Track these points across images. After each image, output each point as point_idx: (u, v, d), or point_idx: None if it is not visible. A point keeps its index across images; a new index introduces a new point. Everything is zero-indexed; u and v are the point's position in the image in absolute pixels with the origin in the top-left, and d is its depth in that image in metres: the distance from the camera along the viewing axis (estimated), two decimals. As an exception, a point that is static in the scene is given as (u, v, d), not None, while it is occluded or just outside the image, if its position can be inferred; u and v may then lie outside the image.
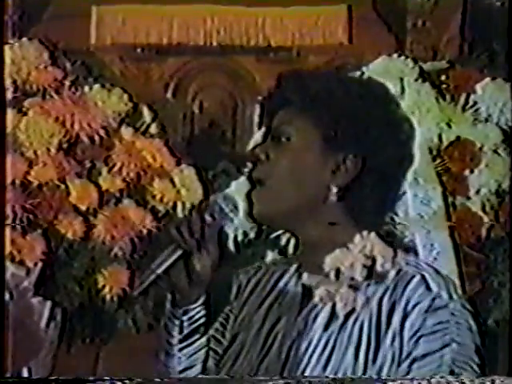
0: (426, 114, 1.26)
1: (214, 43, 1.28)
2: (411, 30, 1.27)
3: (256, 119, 1.27)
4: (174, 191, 1.28)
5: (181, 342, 1.27)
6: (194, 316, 1.27)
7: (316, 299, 1.24)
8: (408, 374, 1.23)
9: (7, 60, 1.27)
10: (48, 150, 1.27)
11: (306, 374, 1.25)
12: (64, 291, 1.28)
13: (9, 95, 1.27)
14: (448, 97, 1.26)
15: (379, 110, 1.24)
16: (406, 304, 1.23)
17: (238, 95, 1.28)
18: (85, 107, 1.27)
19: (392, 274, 1.24)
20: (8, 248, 1.27)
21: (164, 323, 1.26)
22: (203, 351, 1.27)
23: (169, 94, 1.28)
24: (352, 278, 1.24)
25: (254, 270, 1.29)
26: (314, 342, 1.24)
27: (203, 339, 1.27)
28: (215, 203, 1.25)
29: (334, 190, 1.23)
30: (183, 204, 1.28)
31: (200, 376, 1.28)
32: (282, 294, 1.27)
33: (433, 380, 1.25)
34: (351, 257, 1.24)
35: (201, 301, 1.26)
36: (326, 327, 1.24)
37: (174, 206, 1.27)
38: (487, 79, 1.26)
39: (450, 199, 1.26)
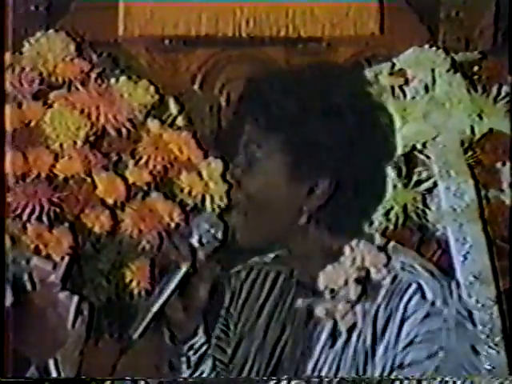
0: (457, 106, 1.24)
1: (243, 34, 1.26)
2: (444, 20, 1.25)
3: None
4: (201, 184, 1.27)
5: (191, 374, 1.26)
6: (198, 347, 1.25)
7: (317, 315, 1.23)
8: None
9: (33, 52, 1.27)
10: (74, 142, 1.25)
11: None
12: (91, 286, 1.28)
13: (35, 87, 1.27)
14: (480, 88, 1.24)
15: (351, 116, 1.19)
16: (402, 314, 1.20)
17: (266, 87, 1.29)
18: (111, 99, 1.25)
19: (387, 281, 1.21)
20: (34, 242, 1.27)
21: (169, 362, 1.25)
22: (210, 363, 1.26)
23: (196, 86, 1.26)
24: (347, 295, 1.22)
25: (246, 272, 1.27)
26: (321, 359, 1.22)
27: (210, 363, 1.26)
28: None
29: (306, 212, 1.20)
30: (211, 197, 1.29)
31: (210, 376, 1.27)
32: (281, 300, 1.25)
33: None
34: (343, 273, 1.20)
35: (201, 330, 1.25)
36: (332, 344, 1.22)
37: (203, 200, 1.27)
38: (520, 70, 1.27)
39: (483, 192, 1.26)
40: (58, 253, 1.26)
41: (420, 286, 1.20)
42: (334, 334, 1.21)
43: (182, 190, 1.26)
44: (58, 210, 1.26)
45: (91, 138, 1.25)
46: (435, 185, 1.25)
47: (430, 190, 1.26)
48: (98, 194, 1.25)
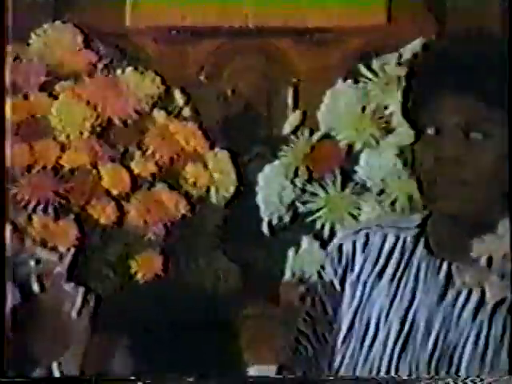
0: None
1: (251, 25, 1.26)
2: (451, 10, 1.24)
3: (290, 102, 1.26)
4: (207, 175, 1.26)
5: None
6: None
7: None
8: None
9: (40, 44, 1.27)
10: (80, 133, 1.25)
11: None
12: (97, 277, 1.28)
13: (42, 79, 1.27)
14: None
15: None
16: None
17: (273, 78, 1.25)
18: (117, 90, 1.25)
19: None
20: (40, 233, 1.26)
21: None
22: None
23: (202, 77, 1.26)
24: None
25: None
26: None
27: None
28: None
29: None
30: (217, 188, 1.28)
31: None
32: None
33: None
34: (500, 245, 1.21)
35: None
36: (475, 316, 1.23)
37: (208, 191, 1.26)
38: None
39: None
40: (64, 244, 1.26)
41: None
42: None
43: (187, 181, 1.26)
44: (63, 201, 1.26)
45: (97, 129, 1.26)
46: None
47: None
48: (103, 185, 1.25)
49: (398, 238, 1.25)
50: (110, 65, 1.25)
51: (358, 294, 1.26)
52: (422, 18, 1.24)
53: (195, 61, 1.25)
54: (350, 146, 1.25)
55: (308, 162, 1.26)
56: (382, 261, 1.25)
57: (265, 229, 1.25)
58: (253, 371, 1.27)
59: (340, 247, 1.27)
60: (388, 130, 1.24)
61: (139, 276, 1.25)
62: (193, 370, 1.26)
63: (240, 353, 1.27)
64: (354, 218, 1.26)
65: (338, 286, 1.26)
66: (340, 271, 1.26)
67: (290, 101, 1.26)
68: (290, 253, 1.25)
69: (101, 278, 1.25)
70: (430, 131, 1.24)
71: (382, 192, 1.25)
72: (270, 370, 1.28)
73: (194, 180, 1.25)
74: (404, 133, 1.25)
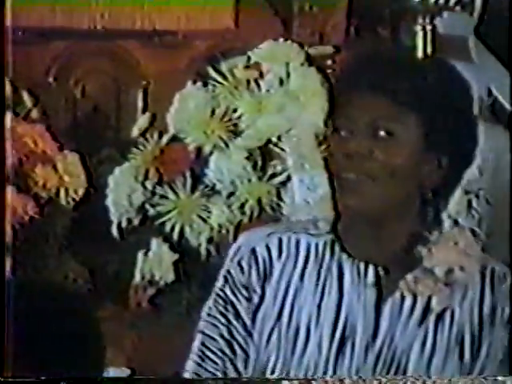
0: (311, 99, 1.23)
1: (99, 27, 1.26)
2: (297, 14, 1.26)
3: (140, 105, 1.25)
4: (56, 177, 1.25)
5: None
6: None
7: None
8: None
9: None
10: None
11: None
12: None
13: None
14: (334, 81, 1.25)
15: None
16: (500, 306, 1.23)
17: (121, 80, 1.25)
18: (-37, 91, 1.27)
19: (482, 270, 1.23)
20: None
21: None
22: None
23: (50, 79, 1.25)
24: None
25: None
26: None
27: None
28: None
29: (428, 189, 1.21)
30: (66, 190, 1.27)
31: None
32: None
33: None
34: (447, 257, 1.22)
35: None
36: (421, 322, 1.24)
37: (57, 193, 1.26)
38: (373, 64, 1.27)
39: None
40: None
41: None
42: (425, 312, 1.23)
43: (36, 183, 1.26)
44: None
45: None
46: (289, 178, 1.27)
47: (284, 183, 1.26)
48: (-51, 186, 1.27)
49: (310, 244, 1.26)
50: (-44, 65, 1.26)
51: (280, 298, 1.26)
52: (269, 22, 1.27)
53: (42, 62, 1.25)
54: (200, 149, 1.26)
55: (158, 165, 1.26)
56: (300, 265, 1.26)
57: (114, 231, 1.25)
58: (107, 374, 1.28)
59: (253, 251, 1.28)
60: (236, 133, 1.27)
61: (-11, 279, 1.27)
62: (49, 373, 1.27)
63: (98, 355, 1.27)
64: (204, 220, 1.28)
65: (258, 290, 1.25)
66: (255, 275, 1.27)
67: (139, 103, 1.26)
68: (140, 255, 1.27)
69: None
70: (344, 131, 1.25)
71: (231, 195, 1.28)
72: (123, 372, 1.29)
73: (43, 182, 1.25)
74: (253, 136, 1.28)
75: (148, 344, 1.25)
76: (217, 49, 1.25)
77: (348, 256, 1.24)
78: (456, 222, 1.24)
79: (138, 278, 1.25)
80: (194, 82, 1.25)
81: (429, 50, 1.24)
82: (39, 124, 1.25)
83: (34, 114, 1.25)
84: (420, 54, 1.25)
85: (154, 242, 1.25)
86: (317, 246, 1.26)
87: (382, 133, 1.21)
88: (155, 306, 1.25)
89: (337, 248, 1.25)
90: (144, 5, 1.25)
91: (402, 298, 1.23)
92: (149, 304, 1.26)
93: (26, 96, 1.25)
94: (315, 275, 1.25)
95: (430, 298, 1.23)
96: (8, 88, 1.24)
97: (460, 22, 1.25)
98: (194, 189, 1.25)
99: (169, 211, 1.25)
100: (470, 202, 1.24)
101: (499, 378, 1.26)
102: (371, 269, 1.23)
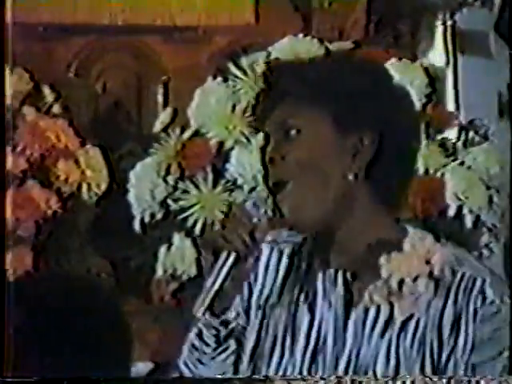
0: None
1: (120, 23, 1.26)
2: (317, 10, 1.27)
3: (161, 100, 1.27)
4: (78, 172, 1.26)
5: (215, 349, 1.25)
6: (230, 320, 1.25)
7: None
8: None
9: None
10: (-49, 130, 1.27)
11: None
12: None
13: None
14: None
15: (377, 85, 1.22)
16: (472, 312, 1.21)
17: (142, 75, 1.26)
18: (-15, 87, 1.27)
19: (448, 275, 1.21)
20: None
21: (198, 332, 1.24)
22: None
23: (71, 74, 1.26)
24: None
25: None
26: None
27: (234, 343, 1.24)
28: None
29: (355, 170, 1.20)
30: (88, 185, 1.28)
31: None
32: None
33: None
34: (413, 264, 1.21)
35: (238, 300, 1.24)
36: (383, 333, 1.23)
37: (79, 187, 1.26)
38: (393, 60, 1.25)
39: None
40: None
41: (484, 282, 1.21)
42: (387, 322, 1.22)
43: (58, 178, 1.27)
44: None
45: (-35, 126, 1.27)
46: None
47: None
48: (-27, 181, 1.28)
49: (292, 253, 1.26)
50: (-22, 61, 1.27)
51: (260, 311, 1.26)
52: (289, 17, 1.28)
53: (64, 58, 1.25)
54: (221, 144, 1.28)
55: (180, 160, 1.27)
56: (281, 274, 1.26)
57: (137, 226, 1.26)
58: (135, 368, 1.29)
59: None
60: (257, 128, 1.29)
61: (10, 272, 1.27)
62: (75, 369, 1.28)
63: (126, 350, 1.28)
64: (226, 215, 1.30)
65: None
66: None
67: (160, 98, 1.27)
68: (162, 250, 1.28)
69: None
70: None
71: (252, 190, 1.29)
72: (147, 367, 1.30)
73: (65, 177, 1.26)
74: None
75: (171, 338, 1.29)
76: (237, 44, 1.26)
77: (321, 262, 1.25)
78: (478, 218, 1.28)
79: (160, 272, 1.27)
80: (215, 78, 1.26)
81: (449, 46, 1.26)
82: (61, 119, 1.25)
83: (56, 108, 1.26)
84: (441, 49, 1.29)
85: (177, 237, 1.28)
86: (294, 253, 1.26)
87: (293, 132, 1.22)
88: (178, 300, 1.29)
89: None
90: (165, 0, 1.27)
91: (366, 309, 1.24)
92: (171, 298, 1.29)
93: (47, 91, 1.25)
94: (292, 283, 1.25)
95: (392, 308, 1.24)
96: (29, 83, 1.26)
97: (480, 17, 1.29)
98: (215, 183, 1.27)
99: (191, 206, 1.27)
100: (491, 198, 1.28)
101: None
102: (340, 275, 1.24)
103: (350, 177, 1.20)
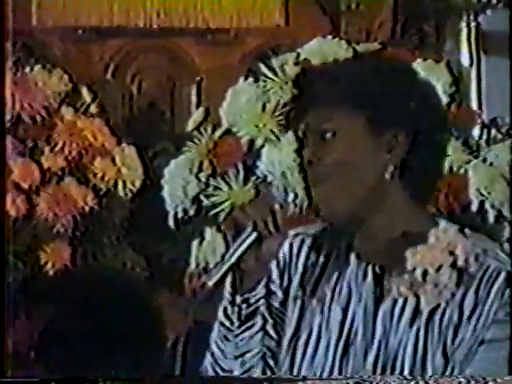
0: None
1: (154, 26, 1.31)
2: (345, 12, 1.31)
3: (194, 100, 1.31)
4: (114, 170, 1.31)
5: (239, 326, 1.29)
6: (252, 300, 1.29)
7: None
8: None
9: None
10: (-9, 129, 1.31)
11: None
12: (7, 267, 1.32)
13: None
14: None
15: (405, 85, 1.26)
16: (492, 301, 1.23)
17: (176, 76, 1.31)
18: (26, 87, 1.30)
19: (474, 267, 1.24)
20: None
21: (224, 308, 1.28)
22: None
23: (108, 75, 1.31)
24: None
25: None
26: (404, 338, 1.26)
27: (260, 321, 1.28)
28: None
29: (391, 168, 1.24)
30: (124, 182, 1.33)
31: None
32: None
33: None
34: (434, 256, 1.24)
35: (263, 282, 1.28)
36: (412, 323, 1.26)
37: (115, 184, 1.31)
38: (419, 60, 1.29)
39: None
40: (-25, 236, 1.32)
41: (509, 275, 1.24)
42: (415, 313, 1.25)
43: (95, 175, 1.31)
44: (-24, 194, 1.32)
45: (7, 125, 1.31)
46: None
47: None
48: (13, 178, 1.31)
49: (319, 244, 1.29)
50: (19, 62, 1.31)
51: (299, 304, 1.29)
52: (318, 19, 1.32)
53: (101, 59, 1.30)
54: (252, 142, 1.32)
55: (211, 157, 1.31)
56: (317, 270, 1.30)
57: (170, 221, 1.31)
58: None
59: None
60: (287, 127, 1.33)
61: (48, 266, 1.32)
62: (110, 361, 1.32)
63: (159, 341, 1.32)
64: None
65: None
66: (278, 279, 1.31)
67: (193, 98, 1.32)
68: (194, 244, 1.32)
69: (10, 268, 1.31)
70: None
71: (285, 189, 1.32)
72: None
73: (101, 174, 1.31)
74: (302, 129, 1.33)
75: (203, 330, 1.32)
76: (267, 46, 1.30)
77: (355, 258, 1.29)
78: (500, 213, 1.30)
79: (192, 266, 1.32)
80: (246, 78, 1.30)
81: (473, 46, 1.30)
82: (98, 118, 1.30)
83: (93, 109, 1.31)
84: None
85: (208, 232, 1.33)
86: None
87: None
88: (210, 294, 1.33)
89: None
90: (197, 4, 1.32)
91: (394, 300, 1.27)
92: (202, 290, 1.33)
93: (85, 92, 1.30)
94: (327, 277, 1.29)
95: (418, 299, 1.27)
96: (68, 84, 1.31)
97: (502, 19, 1.32)
98: (246, 180, 1.32)
99: (222, 202, 1.33)
100: (512, 194, 1.31)
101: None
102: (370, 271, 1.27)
103: (387, 175, 1.25)
